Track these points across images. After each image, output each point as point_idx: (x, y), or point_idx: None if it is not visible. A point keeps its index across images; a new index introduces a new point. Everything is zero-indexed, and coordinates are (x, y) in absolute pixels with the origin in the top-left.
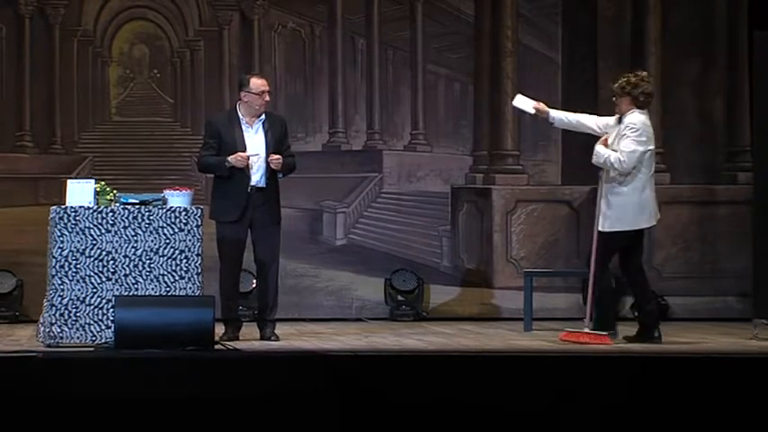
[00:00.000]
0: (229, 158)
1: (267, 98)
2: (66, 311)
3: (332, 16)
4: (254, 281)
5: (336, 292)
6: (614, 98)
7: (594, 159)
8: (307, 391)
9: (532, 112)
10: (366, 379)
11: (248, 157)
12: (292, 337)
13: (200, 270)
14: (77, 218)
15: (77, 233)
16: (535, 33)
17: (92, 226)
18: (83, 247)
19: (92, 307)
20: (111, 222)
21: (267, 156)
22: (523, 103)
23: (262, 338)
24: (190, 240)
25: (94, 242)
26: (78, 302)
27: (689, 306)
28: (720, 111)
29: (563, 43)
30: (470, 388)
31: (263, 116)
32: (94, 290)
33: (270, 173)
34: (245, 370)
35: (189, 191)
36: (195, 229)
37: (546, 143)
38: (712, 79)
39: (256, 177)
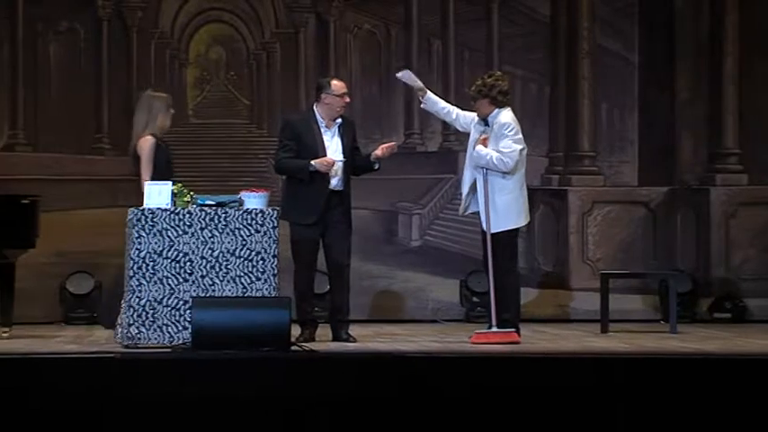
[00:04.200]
0: (313, 162)
1: (348, 99)
2: (144, 312)
3: (407, 18)
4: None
5: (412, 293)
6: (472, 102)
7: (476, 161)
8: (382, 392)
9: (419, 84)
10: (442, 381)
11: (334, 163)
12: (367, 339)
13: (276, 271)
14: (155, 219)
15: (155, 235)
16: (612, 34)
17: (169, 227)
18: (160, 248)
19: (169, 308)
20: (188, 224)
21: (344, 159)
22: (410, 77)
23: (336, 339)
24: (266, 242)
25: (172, 243)
26: (156, 303)
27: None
28: None
29: (640, 43)
30: (546, 390)
31: (340, 119)
32: (172, 291)
33: (346, 176)
34: (322, 371)
35: (265, 192)
36: (271, 230)
37: (622, 144)
38: None
39: (335, 181)
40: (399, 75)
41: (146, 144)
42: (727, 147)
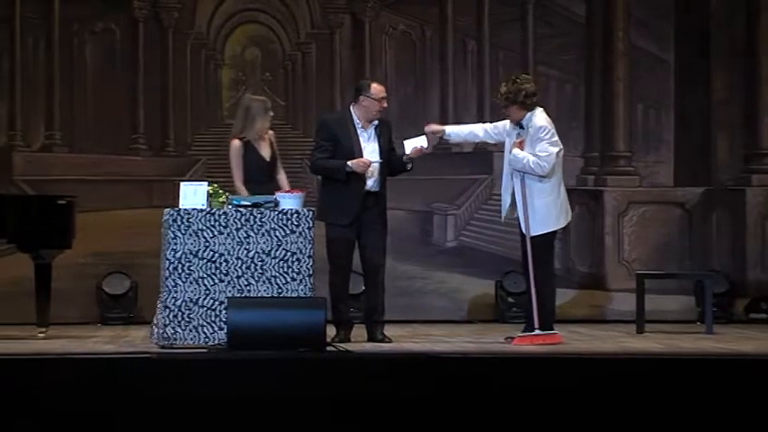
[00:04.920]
0: (350, 163)
1: (385, 104)
2: (180, 313)
3: (442, 18)
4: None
5: (447, 293)
6: (503, 110)
7: (512, 164)
8: (418, 392)
9: (426, 145)
10: (477, 381)
11: (370, 164)
12: (403, 339)
13: (311, 272)
14: (190, 220)
15: (190, 235)
16: (647, 34)
17: (204, 228)
18: (196, 248)
19: (205, 308)
20: (223, 224)
21: (381, 160)
22: (414, 143)
23: (371, 340)
24: (301, 242)
25: (207, 244)
26: (191, 304)
27: None
28: None
29: (675, 43)
30: (581, 390)
31: (377, 121)
32: (207, 291)
33: (382, 177)
34: (357, 371)
35: (300, 193)
36: (307, 231)
37: (657, 145)
38: None
39: (371, 182)
40: (407, 152)
41: (231, 148)
42: (763, 147)
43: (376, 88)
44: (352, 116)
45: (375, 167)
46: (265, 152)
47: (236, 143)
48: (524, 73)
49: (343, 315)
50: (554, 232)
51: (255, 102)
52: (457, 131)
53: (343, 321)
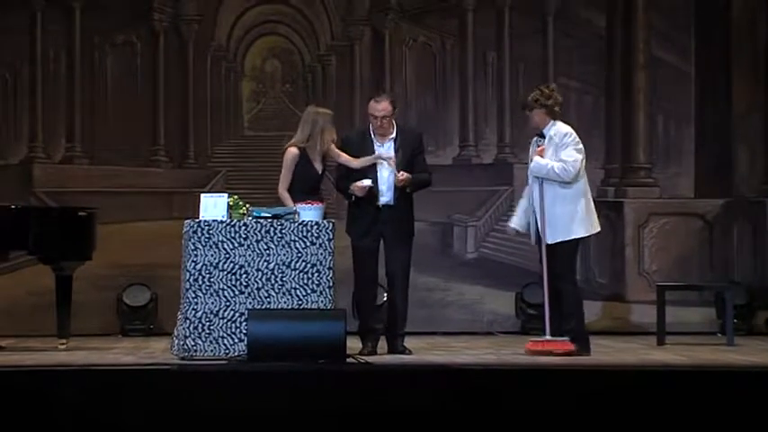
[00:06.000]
0: (351, 188)
1: (379, 123)
2: (200, 324)
3: (462, 30)
4: (385, 294)
5: (467, 305)
6: (526, 112)
7: (535, 171)
8: (438, 404)
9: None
10: (498, 393)
11: (363, 188)
12: (423, 351)
13: (331, 284)
14: (211, 232)
15: (210, 247)
16: (667, 46)
17: (225, 240)
18: (216, 260)
19: (225, 320)
20: (243, 236)
21: (396, 174)
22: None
23: (391, 352)
24: (321, 254)
25: (227, 256)
26: (212, 316)
27: None
28: None
29: (696, 55)
30: (603, 402)
31: (394, 134)
32: (227, 303)
33: (400, 190)
34: (378, 383)
35: (320, 205)
36: (327, 242)
37: (678, 156)
38: None
39: (385, 198)
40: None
41: (287, 155)
42: None
43: (371, 105)
44: (370, 129)
45: (383, 186)
46: (318, 165)
47: (293, 151)
48: (554, 84)
49: (369, 327)
50: (575, 241)
51: (322, 115)
52: (520, 214)
53: (369, 333)
